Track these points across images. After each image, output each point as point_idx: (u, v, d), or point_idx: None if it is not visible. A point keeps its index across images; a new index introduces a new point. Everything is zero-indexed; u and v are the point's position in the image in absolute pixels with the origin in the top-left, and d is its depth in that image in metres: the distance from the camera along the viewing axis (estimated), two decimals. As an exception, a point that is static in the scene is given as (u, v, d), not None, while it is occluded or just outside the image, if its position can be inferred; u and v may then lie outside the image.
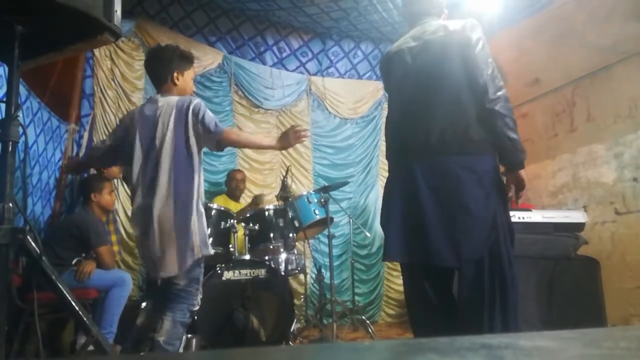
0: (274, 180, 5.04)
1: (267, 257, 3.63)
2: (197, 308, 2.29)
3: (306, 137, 2.43)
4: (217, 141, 2.29)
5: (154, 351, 2.14)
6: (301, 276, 4.35)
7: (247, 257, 3.38)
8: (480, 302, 1.85)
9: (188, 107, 2.28)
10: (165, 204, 2.17)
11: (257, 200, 4.30)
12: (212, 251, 2.32)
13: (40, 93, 3.40)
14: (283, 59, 5.32)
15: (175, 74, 2.38)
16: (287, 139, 2.38)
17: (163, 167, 2.21)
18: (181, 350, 2.32)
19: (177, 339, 2.19)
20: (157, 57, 2.43)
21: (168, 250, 2.16)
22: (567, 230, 3.10)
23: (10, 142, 1.41)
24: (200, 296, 2.31)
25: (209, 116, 2.30)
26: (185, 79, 2.43)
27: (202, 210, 2.29)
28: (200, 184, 2.29)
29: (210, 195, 4.65)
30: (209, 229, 3.26)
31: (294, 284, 4.50)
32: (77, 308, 1.52)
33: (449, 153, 1.96)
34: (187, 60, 2.45)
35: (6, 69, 1.55)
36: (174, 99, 2.33)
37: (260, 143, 2.52)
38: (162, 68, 2.40)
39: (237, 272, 3.22)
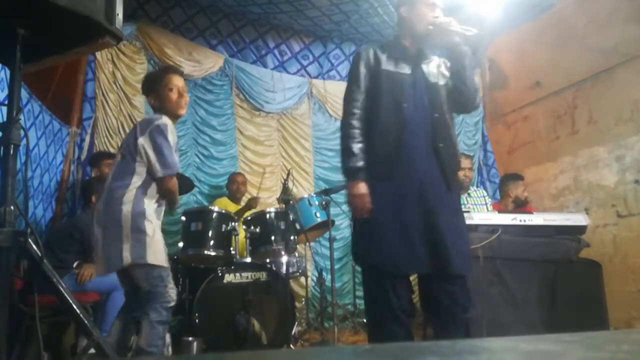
0: (274, 184, 5.04)
1: (268, 260, 3.63)
2: (172, 304, 2.25)
3: None
4: (158, 180, 2.26)
5: (140, 356, 2.15)
6: (302, 279, 4.34)
7: (248, 260, 3.38)
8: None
9: (151, 124, 2.28)
10: (100, 211, 2.23)
11: (251, 203, 4.27)
12: (153, 261, 2.20)
13: (41, 96, 3.41)
14: (284, 62, 5.33)
15: (152, 95, 2.43)
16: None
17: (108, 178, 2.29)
18: (169, 350, 2.32)
19: (159, 339, 2.19)
20: (143, 83, 2.53)
21: (99, 252, 2.21)
22: (568, 233, 3.09)
23: (12, 145, 1.41)
24: (173, 292, 2.27)
25: (162, 151, 2.24)
26: (163, 95, 2.41)
27: (145, 217, 2.21)
28: (142, 188, 2.25)
29: (211, 198, 4.65)
30: (210, 232, 3.26)
31: (295, 286, 4.49)
32: (78, 311, 1.52)
33: None
34: (153, 84, 2.46)
35: (8, 72, 1.55)
36: (147, 117, 2.43)
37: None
38: (144, 90, 2.50)
39: (238, 275, 3.22)
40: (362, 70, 2.16)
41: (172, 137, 2.28)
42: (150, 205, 2.25)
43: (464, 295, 2.00)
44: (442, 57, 2.24)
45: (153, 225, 2.23)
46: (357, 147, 2.07)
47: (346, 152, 2.09)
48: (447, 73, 2.18)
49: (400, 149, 2.04)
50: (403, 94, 2.08)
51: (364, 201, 2.01)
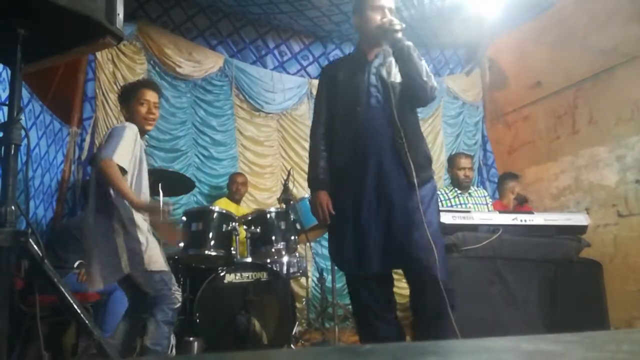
0: (275, 184, 5.04)
1: (268, 260, 3.63)
2: (177, 305, 2.30)
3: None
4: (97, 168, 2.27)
5: (145, 355, 2.17)
6: (303, 279, 4.34)
7: (249, 260, 3.38)
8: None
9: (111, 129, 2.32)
10: (90, 222, 2.22)
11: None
12: (152, 268, 2.21)
13: (42, 96, 3.41)
14: (284, 62, 5.32)
15: (122, 108, 2.48)
16: (156, 214, 2.32)
17: (91, 185, 2.29)
18: (173, 351, 2.34)
19: (164, 339, 2.22)
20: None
21: (92, 266, 2.17)
22: (569, 233, 3.09)
23: (13, 145, 1.41)
24: (178, 294, 2.32)
25: (110, 142, 2.23)
26: (132, 108, 2.43)
27: (135, 226, 2.23)
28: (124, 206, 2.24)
29: (212, 198, 4.65)
30: (211, 232, 3.26)
31: (295, 287, 4.49)
32: (79, 311, 1.51)
33: None
34: (124, 97, 2.49)
35: (9, 72, 1.55)
36: None
37: (126, 193, 2.20)
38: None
39: (238, 275, 3.22)
40: (323, 88, 2.32)
41: (129, 138, 2.25)
42: (137, 214, 2.26)
43: (432, 295, 1.97)
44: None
45: (145, 233, 2.25)
46: (321, 161, 2.21)
47: (311, 165, 2.25)
48: None
49: (355, 153, 2.12)
50: (358, 99, 2.15)
51: (323, 210, 2.14)
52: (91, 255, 2.19)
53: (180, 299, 2.32)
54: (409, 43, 2.12)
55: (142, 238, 2.21)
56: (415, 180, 2.02)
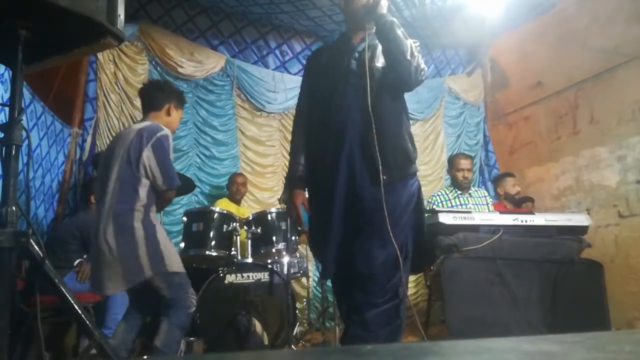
0: (276, 184, 5.04)
1: (269, 261, 3.62)
2: (192, 310, 2.29)
3: None
4: (160, 192, 2.29)
5: (154, 356, 2.15)
6: (304, 279, 4.34)
7: (250, 260, 3.38)
8: None
9: (155, 134, 2.28)
10: (108, 223, 2.18)
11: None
12: (173, 269, 2.23)
13: (43, 97, 3.42)
14: (285, 62, 5.32)
15: (168, 107, 2.45)
16: None
17: (110, 186, 2.25)
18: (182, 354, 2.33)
19: (175, 343, 2.20)
20: (159, 86, 2.53)
21: (113, 270, 2.15)
22: (570, 234, 3.08)
23: (14, 146, 1.41)
24: (194, 298, 2.31)
25: (167, 163, 2.28)
26: (177, 115, 2.51)
27: (155, 228, 2.24)
28: (148, 202, 2.26)
29: (212, 198, 4.65)
30: (212, 232, 3.26)
31: (296, 287, 4.49)
32: (79, 311, 1.52)
33: None
34: (183, 101, 2.56)
35: (10, 72, 1.56)
36: (148, 123, 2.36)
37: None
38: (161, 95, 2.46)
39: (239, 275, 3.22)
40: (305, 77, 2.18)
41: (171, 149, 2.34)
42: (155, 216, 2.29)
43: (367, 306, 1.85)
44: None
45: (163, 233, 2.26)
46: (300, 157, 2.09)
47: (290, 161, 2.13)
48: None
49: (328, 146, 1.95)
50: (334, 88, 1.98)
51: (295, 209, 2.06)
52: (111, 257, 2.15)
53: (195, 303, 2.30)
54: (393, 19, 1.93)
55: (160, 238, 2.22)
56: (382, 179, 1.83)
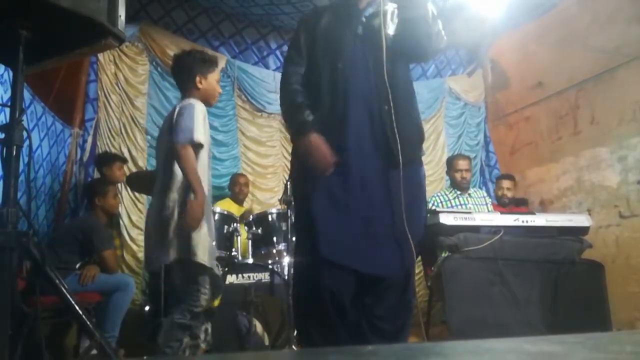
0: (276, 184, 5.04)
1: (270, 261, 3.62)
2: (199, 309, 2.19)
3: None
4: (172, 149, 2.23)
5: (156, 354, 2.14)
6: (304, 280, 4.34)
7: (251, 261, 3.38)
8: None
9: (179, 108, 2.27)
10: (154, 203, 2.28)
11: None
12: (200, 260, 2.14)
13: (44, 97, 3.42)
14: (286, 63, 5.33)
15: (198, 78, 2.36)
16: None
17: (158, 170, 2.33)
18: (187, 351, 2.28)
19: (175, 341, 2.13)
20: (180, 64, 2.44)
21: (155, 244, 2.21)
22: (571, 234, 3.08)
23: (15, 147, 1.42)
24: (204, 296, 2.21)
25: (182, 123, 2.21)
26: (209, 81, 2.40)
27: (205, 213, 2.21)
28: (186, 186, 2.22)
29: (214, 199, 4.63)
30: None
31: (297, 287, 4.49)
32: (80, 312, 1.52)
33: None
34: (209, 63, 2.43)
35: (11, 73, 1.56)
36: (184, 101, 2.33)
37: (196, 184, 2.17)
38: (184, 74, 2.40)
39: (240, 276, 3.22)
40: (302, 34, 1.88)
41: (201, 116, 2.24)
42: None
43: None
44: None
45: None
46: (302, 100, 1.78)
47: (291, 106, 1.80)
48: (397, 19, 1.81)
49: (333, 118, 1.73)
50: (340, 53, 1.77)
51: (324, 153, 1.67)
52: (152, 236, 2.22)
53: (204, 305, 2.21)
54: None
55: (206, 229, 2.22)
56: (394, 160, 1.64)
